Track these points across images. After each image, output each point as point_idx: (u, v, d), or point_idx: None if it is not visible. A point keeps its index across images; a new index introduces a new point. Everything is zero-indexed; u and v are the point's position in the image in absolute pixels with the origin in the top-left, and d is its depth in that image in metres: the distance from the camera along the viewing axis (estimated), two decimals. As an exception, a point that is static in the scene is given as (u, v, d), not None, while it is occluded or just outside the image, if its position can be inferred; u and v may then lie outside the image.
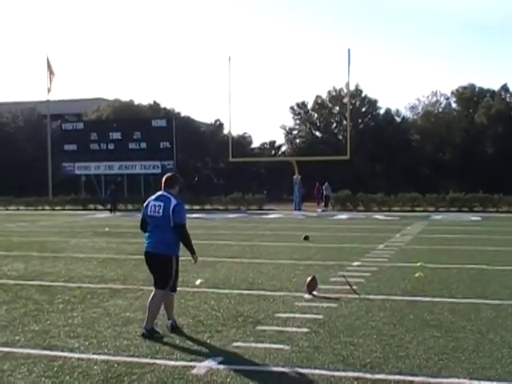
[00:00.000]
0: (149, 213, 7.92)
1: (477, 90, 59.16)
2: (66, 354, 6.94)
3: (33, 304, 9.77)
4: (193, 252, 7.97)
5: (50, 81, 48.80)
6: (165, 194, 7.98)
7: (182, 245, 7.94)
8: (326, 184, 42.70)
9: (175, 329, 7.94)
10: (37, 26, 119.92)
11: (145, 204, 8.09)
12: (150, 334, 7.65)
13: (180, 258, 8.02)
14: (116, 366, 6.50)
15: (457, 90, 59.99)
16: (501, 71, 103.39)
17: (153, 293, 7.91)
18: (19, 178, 55.55)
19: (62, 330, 8.06)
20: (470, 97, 58.66)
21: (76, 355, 6.88)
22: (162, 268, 7.83)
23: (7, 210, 44.50)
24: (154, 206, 7.88)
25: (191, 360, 6.70)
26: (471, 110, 57.60)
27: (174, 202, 7.82)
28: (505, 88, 57.37)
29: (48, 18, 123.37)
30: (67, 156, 47.92)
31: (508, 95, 57.42)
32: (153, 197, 8.06)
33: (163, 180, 8.12)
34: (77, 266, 14.01)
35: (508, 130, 51.93)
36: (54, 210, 44.22)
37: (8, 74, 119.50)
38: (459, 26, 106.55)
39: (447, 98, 61.14)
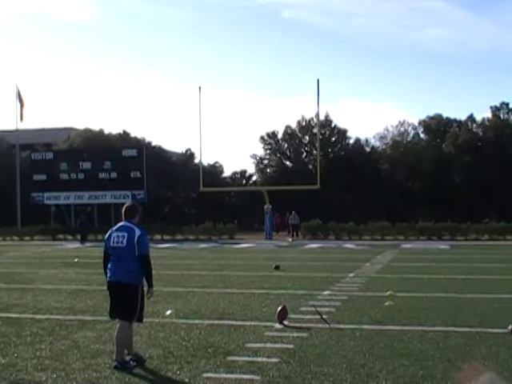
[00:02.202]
0: (111, 244, 7.88)
1: (444, 120, 60.00)
2: (33, 387, 6.85)
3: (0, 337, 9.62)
4: (151, 285, 7.88)
5: (21, 112, 48.59)
6: (127, 224, 7.94)
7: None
8: (293, 213, 43.00)
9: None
10: (5, 54, 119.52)
11: (106, 236, 8.04)
12: (123, 366, 7.57)
13: (152, 289, 7.99)
14: (84, 398, 6.42)
15: (424, 121, 60.80)
16: (467, 102, 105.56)
17: (119, 325, 7.82)
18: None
19: (29, 362, 7.94)
20: (437, 127, 59.46)
21: (44, 388, 6.79)
22: (128, 298, 7.76)
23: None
24: (118, 236, 7.84)
25: (161, 392, 6.65)
26: (439, 140, 58.36)
27: (138, 232, 7.80)
28: (471, 118, 58.31)
29: (17, 47, 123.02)
30: (36, 186, 47.46)
31: (474, 125, 58.36)
32: (114, 228, 8.02)
33: (123, 210, 8.07)
34: (45, 298, 13.84)
35: (475, 160, 52.66)
36: (22, 240, 43.71)
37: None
38: (425, 57, 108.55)
39: (415, 128, 61.93)
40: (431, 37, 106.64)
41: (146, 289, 7.94)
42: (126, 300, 7.75)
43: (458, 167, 54.25)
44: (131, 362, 7.69)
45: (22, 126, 50.87)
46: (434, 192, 53.20)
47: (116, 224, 8.18)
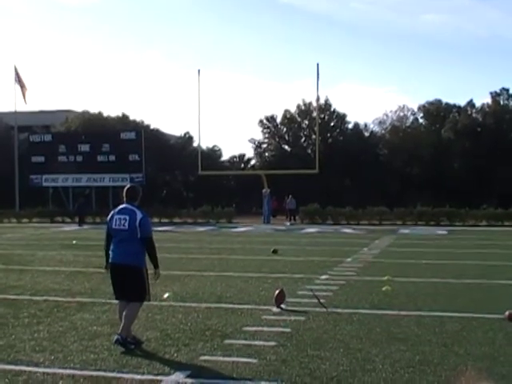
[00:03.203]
0: (114, 226, 7.87)
1: (443, 105, 59.90)
2: (31, 368, 6.86)
3: (-2, 318, 9.64)
4: (157, 266, 7.93)
5: (23, 94, 48.26)
6: (128, 206, 7.93)
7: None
8: (290, 197, 43.06)
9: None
10: (4, 36, 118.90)
11: (108, 218, 8.03)
12: (124, 342, 7.59)
13: (159, 270, 8.04)
14: (82, 380, 6.43)
15: (423, 106, 60.68)
16: (467, 87, 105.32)
17: (130, 304, 7.82)
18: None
19: (27, 344, 7.96)
20: (436, 112, 59.37)
21: (41, 370, 6.80)
22: (135, 280, 7.79)
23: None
24: (119, 219, 7.83)
25: (158, 374, 6.66)
26: (438, 125, 58.27)
27: (139, 215, 7.79)
28: (471, 104, 58.23)
29: (15, 29, 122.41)
30: (35, 168, 47.44)
31: (474, 111, 58.28)
32: (116, 210, 8.01)
33: (124, 192, 8.06)
34: (43, 279, 13.87)
35: (474, 145, 52.66)
36: (20, 222, 43.71)
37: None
38: (424, 42, 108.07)
39: (414, 113, 61.83)
40: (430, 21, 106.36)
41: (151, 271, 8.00)
42: (134, 282, 7.79)
43: (457, 152, 54.22)
44: (131, 346, 7.70)
45: (21, 107, 50.74)
46: (432, 177, 53.21)
47: (115, 206, 8.16)
